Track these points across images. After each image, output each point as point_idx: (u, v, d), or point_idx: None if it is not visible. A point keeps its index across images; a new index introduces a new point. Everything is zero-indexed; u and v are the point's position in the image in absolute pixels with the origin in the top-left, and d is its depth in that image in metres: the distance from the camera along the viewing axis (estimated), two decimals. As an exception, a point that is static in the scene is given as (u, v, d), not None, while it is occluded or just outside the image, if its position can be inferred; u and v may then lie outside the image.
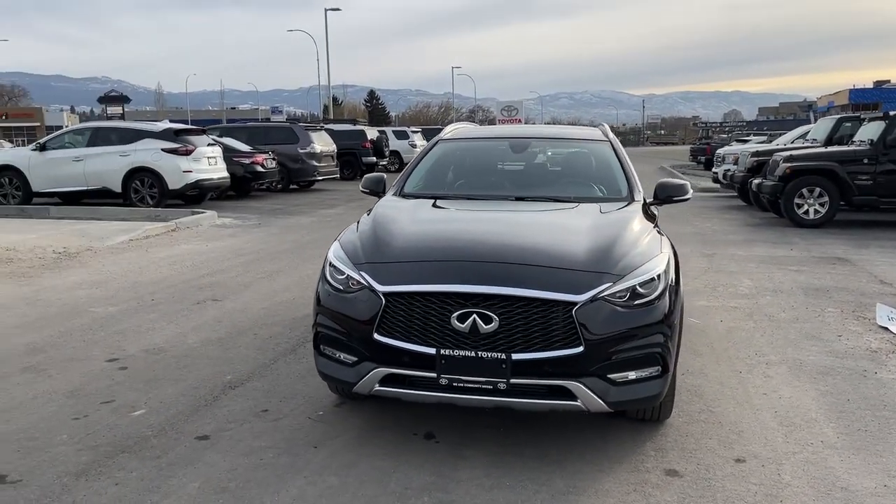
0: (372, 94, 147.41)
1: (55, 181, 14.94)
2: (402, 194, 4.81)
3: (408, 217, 4.17)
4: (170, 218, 12.71)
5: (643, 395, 3.46)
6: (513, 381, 3.31)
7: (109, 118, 54.93)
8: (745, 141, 24.44)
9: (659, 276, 3.56)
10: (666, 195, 4.75)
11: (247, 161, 17.36)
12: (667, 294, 3.54)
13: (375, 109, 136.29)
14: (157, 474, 3.38)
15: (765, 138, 23.44)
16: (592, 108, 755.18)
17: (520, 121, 66.99)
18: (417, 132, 33.88)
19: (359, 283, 3.58)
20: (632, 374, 3.43)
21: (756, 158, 14.57)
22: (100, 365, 4.95)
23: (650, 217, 4.37)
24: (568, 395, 3.34)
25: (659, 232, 4.17)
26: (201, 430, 3.87)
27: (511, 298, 3.32)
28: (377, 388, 3.49)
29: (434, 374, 3.36)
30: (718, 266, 8.70)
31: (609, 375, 3.38)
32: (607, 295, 3.38)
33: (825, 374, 4.78)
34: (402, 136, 32.63)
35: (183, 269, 8.50)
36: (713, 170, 19.79)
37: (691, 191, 4.83)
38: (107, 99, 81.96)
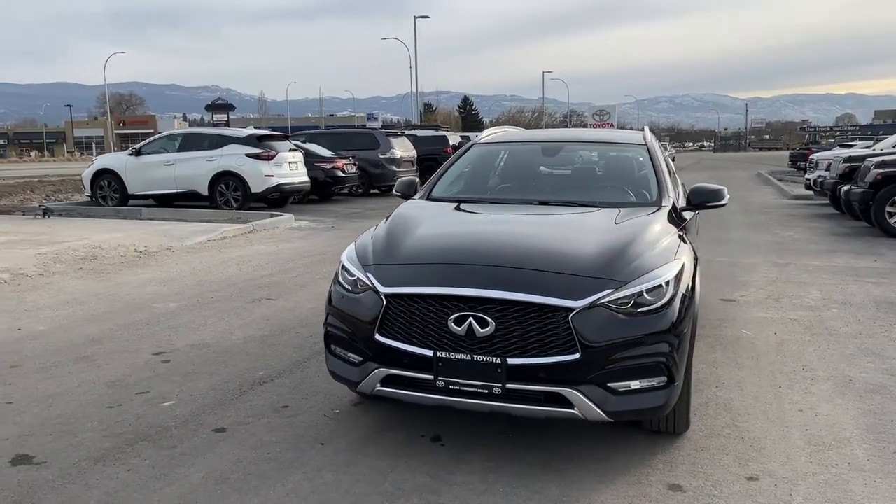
0: (466, 101, 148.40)
1: (148, 184, 15.81)
2: (428, 197, 4.84)
3: (422, 220, 4.19)
4: (249, 220, 13.21)
5: (646, 406, 3.35)
6: (508, 385, 3.28)
7: (216, 125, 57.60)
8: (850, 146, 23.05)
9: (667, 283, 3.44)
10: (700, 200, 4.59)
11: (328, 166, 17.83)
12: (676, 302, 3.42)
13: (469, 115, 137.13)
14: (168, 463, 3.54)
15: (870, 143, 22.06)
16: (693, 112, 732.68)
17: (612, 125, 66.11)
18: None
19: (365, 284, 3.64)
20: (635, 384, 3.33)
21: (848, 164, 13.77)
22: (145, 357, 5.22)
23: (675, 223, 4.23)
24: (564, 402, 3.28)
25: (682, 238, 4.03)
26: (220, 423, 4.02)
27: (507, 302, 3.30)
28: (378, 388, 3.54)
29: (431, 377, 3.38)
30: (789, 276, 8.29)
31: (609, 384, 3.30)
32: (608, 301, 3.30)
33: (873, 393, 4.49)
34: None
35: (248, 269, 8.82)
36: (805, 176, 18.85)
37: (727, 196, 4.64)
38: (213, 107, 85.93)
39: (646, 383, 3.34)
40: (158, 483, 3.33)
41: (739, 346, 5.54)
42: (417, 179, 5.17)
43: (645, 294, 3.37)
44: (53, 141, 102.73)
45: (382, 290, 3.52)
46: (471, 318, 3.31)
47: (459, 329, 3.32)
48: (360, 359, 3.59)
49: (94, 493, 3.24)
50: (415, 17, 44.92)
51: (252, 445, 3.74)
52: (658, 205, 4.38)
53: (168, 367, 5.02)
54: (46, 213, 13.89)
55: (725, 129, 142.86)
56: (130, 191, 16.00)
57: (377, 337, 3.50)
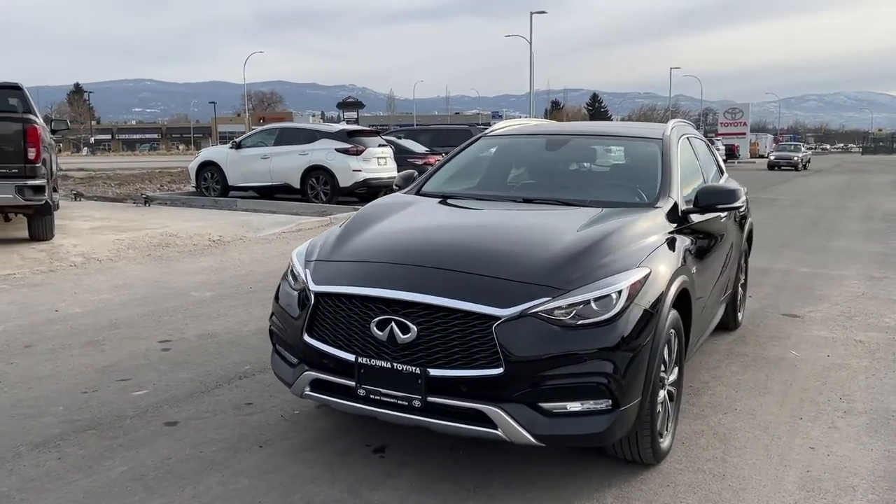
0: (594, 98, 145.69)
1: (246, 176, 16.37)
2: (419, 191, 4.56)
3: (386, 215, 3.94)
4: (331, 213, 13.37)
5: (584, 432, 2.95)
6: (430, 399, 2.98)
7: (347, 122, 59.57)
8: None
9: (619, 292, 3.01)
10: (707, 202, 4.05)
11: (419, 162, 17.78)
12: (629, 315, 3.00)
13: (597, 112, 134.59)
14: (101, 454, 3.48)
15: None
16: (845, 112, 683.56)
17: (745, 124, 62.60)
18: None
19: (302, 281, 3.44)
20: (573, 406, 2.95)
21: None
22: (149, 345, 5.26)
23: (670, 226, 3.74)
24: (487, 421, 2.93)
25: (671, 243, 3.56)
26: (176, 417, 3.94)
27: (430, 307, 2.99)
28: (307, 391, 3.32)
29: (354, 384, 3.13)
30: (878, 292, 7.36)
31: (540, 404, 2.93)
32: (541, 311, 2.92)
33: (914, 433, 3.81)
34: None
35: (303, 262, 8.85)
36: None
37: (743, 198, 4.08)
38: (344, 104, 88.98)
39: (587, 406, 2.95)
40: (77, 475, 3.27)
41: (778, 368, 4.90)
42: (416, 172, 4.90)
43: (592, 304, 2.97)
44: (200, 136, 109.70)
45: (313, 287, 3.31)
46: (392, 323, 3.03)
47: (381, 334, 3.05)
48: (296, 360, 3.40)
49: (12, 480, 3.22)
50: (531, 14, 44.22)
51: (192, 442, 3.62)
52: (653, 205, 3.89)
53: (164, 355, 5.03)
54: (147, 201, 14.66)
55: (880, 130, 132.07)
56: (230, 182, 16.62)
57: (305, 337, 3.30)
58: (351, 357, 3.12)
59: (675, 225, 3.83)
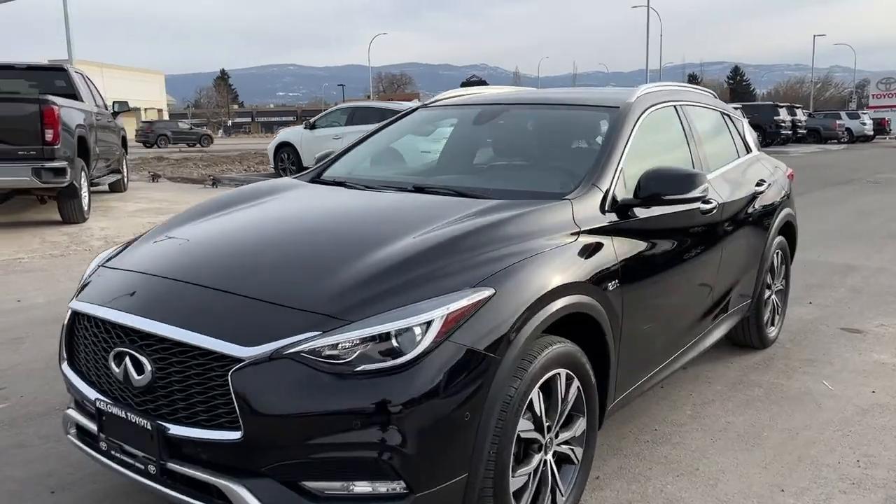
0: (736, 70, 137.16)
1: (319, 157, 16.02)
2: (318, 175, 3.70)
3: (228, 207, 3.15)
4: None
5: None
6: (169, 464, 2.18)
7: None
8: None
9: (427, 324, 2.08)
10: (650, 193, 2.93)
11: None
12: (439, 357, 2.06)
13: (738, 86, 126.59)
14: None
15: None
16: None
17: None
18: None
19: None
20: (361, 487, 2.06)
21: None
22: (66, 346, 4.76)
23: (568, 226, 2.69)
24: (227, 500, 2.10)
25: (570, 250, 2.56)
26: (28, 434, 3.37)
27: (165, 341, 2.19)
28: (70, 435, 2.61)
29: (97, 432, 2.39)
30: None
31: (304, 483, 2.06)
32: (305, 350, 2.04)
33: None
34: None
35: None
36: None
37: (700, 187, 2.95)
38: (467, 83, 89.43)
39: (378, 488, 2.06)
40: None
41: (793, 407, 3.72)
42: (333, 152, 4.05)
43: (381, 341, 2.06)
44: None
45: (71, 304, 2.59)
46: (127, 358, 2.25)
47: (117, 371, 2.29)
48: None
49: None
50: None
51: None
52: (563, 196, 2.84)
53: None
54: (215, 183, 14.61)
55: None
56: (304, 163, 16.35)
57: (63, 366, 2.59)
58: (93, 397, 2.38)
59: (597, 223, 2.79)
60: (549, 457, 2.48)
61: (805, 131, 37.69)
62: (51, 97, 8.52)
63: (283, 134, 17.58)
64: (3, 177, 8.30)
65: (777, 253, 4.58)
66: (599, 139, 3.26)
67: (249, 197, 3.27)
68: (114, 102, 12.42)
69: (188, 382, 2.14)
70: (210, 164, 20.93)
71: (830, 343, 4.74)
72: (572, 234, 2.67)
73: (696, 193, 2.95)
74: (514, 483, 2.32)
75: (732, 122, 4.51)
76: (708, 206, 3.47)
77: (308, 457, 2.04)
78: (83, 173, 9.42)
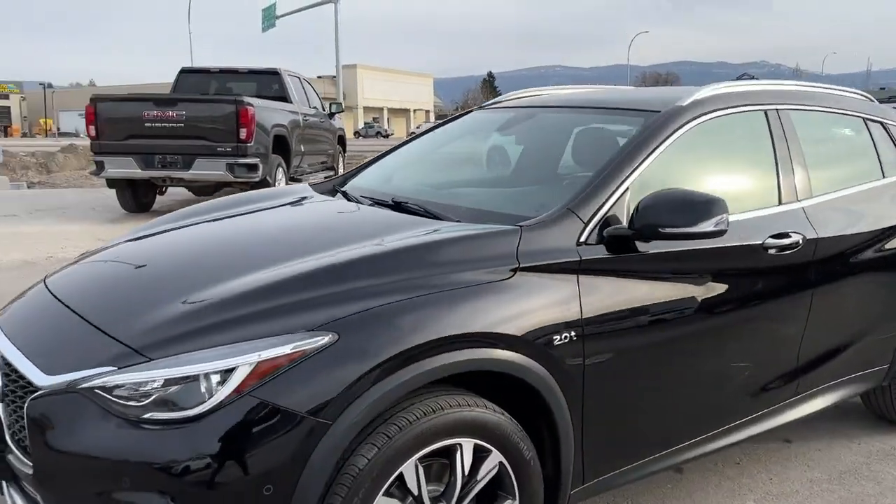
0: None
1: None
2: (341, 185, 3.41)
3: (200, 215, 3.02)
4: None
5: None
6: (12, 492, 2.09)
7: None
8: None
9: (226, 372, 1.75)
10: (645, 223, 2.24)
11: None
12: (235, 413, 1.74)
13: None
14: None
15: None
16: None
17: None
18: None
19: None
20: None
21: None
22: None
23: (505, 260, 2.13)
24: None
25: (489, 291, 2.06)
26: None
27: (6, 365, 2.09)
28: None
29: None
30: None
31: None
32: (98, 385, 1.81)
33: None
34: None
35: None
36: None
37: (714, 219, 2.20)
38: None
39: None
40: None
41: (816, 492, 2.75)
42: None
43: (176, 387, 1.78)
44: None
45: None
46: None
47: None
48: None
49: None
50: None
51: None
52: (517, 222, 2.26)
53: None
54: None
55: None
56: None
57: None
58: None
59: (555, 258, 2.20)
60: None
61: None
62: (247, 98, 9.24)
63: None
64: (203, 171, 9.18)
65: None
66: (612, 149, 2.61)
67: (229, 206, 3.12)
68: (330, 104, 13.25)
69: (17, 403, 2.02)
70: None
71: None
72: (510, 269, 2.13)
73: (705, 228, 2.23)
74: None
75: (886, 131, 3.47)
76: (782, 243, 2.66)
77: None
78: (280, 169, 10.11)
